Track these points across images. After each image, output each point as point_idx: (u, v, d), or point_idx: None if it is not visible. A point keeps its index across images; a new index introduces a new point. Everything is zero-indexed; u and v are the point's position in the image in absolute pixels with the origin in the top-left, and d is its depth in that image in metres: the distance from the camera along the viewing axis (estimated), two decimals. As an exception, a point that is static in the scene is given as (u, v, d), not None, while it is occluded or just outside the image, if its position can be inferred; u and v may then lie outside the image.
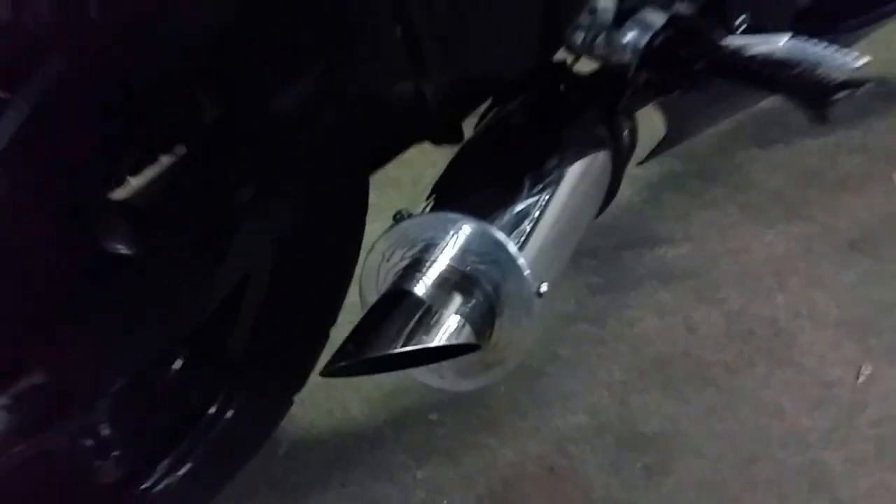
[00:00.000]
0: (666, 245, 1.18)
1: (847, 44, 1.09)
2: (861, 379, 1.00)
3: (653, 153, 0.96)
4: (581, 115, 0.78)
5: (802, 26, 0.88)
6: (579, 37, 0.80)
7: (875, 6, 1.11)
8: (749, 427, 0.95)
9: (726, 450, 0.93)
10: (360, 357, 0.60)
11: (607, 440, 0.93)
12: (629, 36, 0.80)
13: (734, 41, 0.80)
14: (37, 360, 0.59)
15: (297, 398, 0.86)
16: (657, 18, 0.79)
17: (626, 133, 0.80)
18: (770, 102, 1.40)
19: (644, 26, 0.79)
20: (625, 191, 1.23)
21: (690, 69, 0.77)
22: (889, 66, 1.49)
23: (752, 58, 0.77)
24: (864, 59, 0.81)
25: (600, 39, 0.80)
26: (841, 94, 0.77)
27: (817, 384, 1.00)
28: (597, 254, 1.16)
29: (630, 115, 0.82)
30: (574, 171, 0.72)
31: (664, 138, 0.94)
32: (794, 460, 0.92)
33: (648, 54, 0.77)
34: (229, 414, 0.77)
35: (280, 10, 0.61)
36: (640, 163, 0.96)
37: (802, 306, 1.09)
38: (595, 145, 0.76)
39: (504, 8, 0.72)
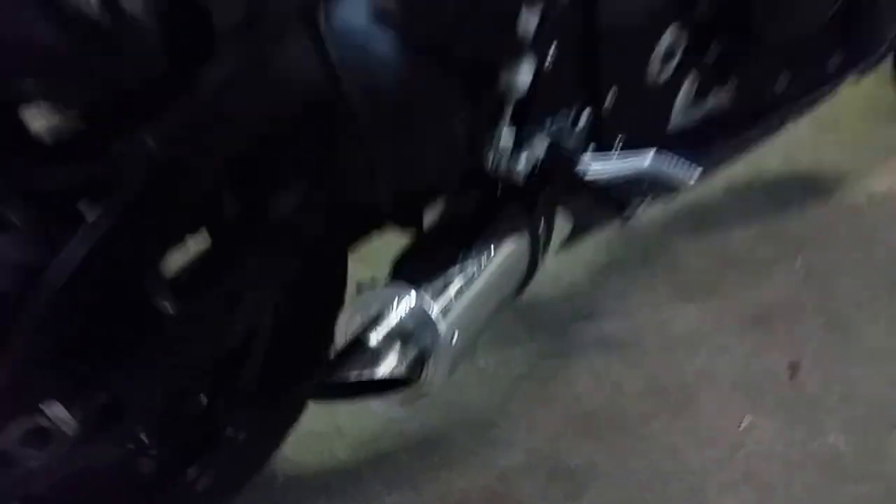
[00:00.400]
0: (606, 319, 1.49)
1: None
2: (742, 426, 1.31)
3: (565, 244, 1.21)
4: (504, 213, 1.05)
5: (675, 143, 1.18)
6: (489, 159, 1.03)
7: (742, 133, 1.35)
8: (649, 461, 1.25)
9: (630, 478, 1.23)
10: (332, 384, 0.91)
11: (539, 473, 1.24)
12: (520, 161, 1.03)
13: (597, 162, 1.08)
14: (104, 385, 0.87)
15: (294, 442, 1.18)
16: (541, 145, 1.05)
17: (541, 227, 1.06)
18: (705, 197, 1.74)
19: (530, 153, 1.03)
20: (577, 273, 1.57)
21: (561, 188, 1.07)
22: (794, 150, 1.81)
23: (594, 181, 1.06)
24: (698, 173, 1.12)
25: (502, 163, 1.03)
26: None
27: (707, 429, 1.30)
28: (548, 326, 1.47)
29: (545, 213, 1.07)
30: (496, 256, 1.01)
31: (571, 232, 1.19)
32: (680, 485, 1.22)
33: (532, 176, 1.04)
34: (242, 435, 1.07)
35: (290, 138, 0.88)
36: (556, 253, 1.24)
37: (707, 369, 1.40)
38: (514, 236, 1.03)
39: (433, 139, 0.98)
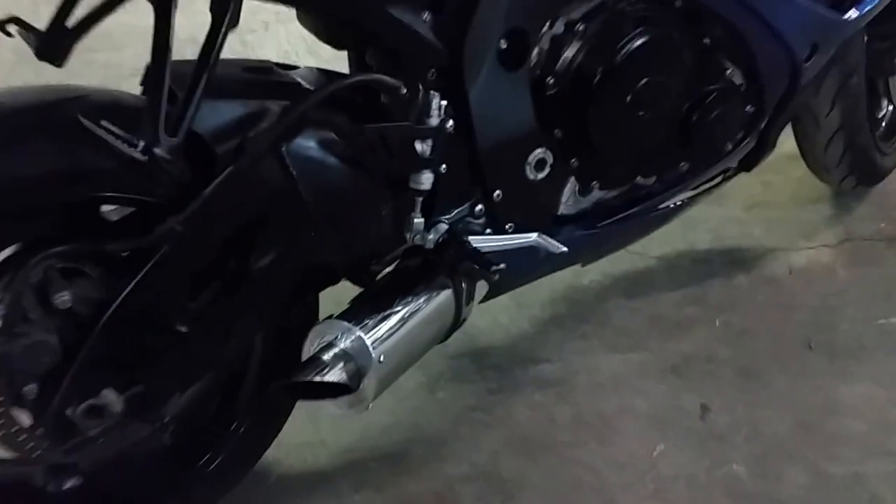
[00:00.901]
0: (544, 363, 1.72)
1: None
2: (655, 453, 1.53)
3: (482, 301, 1.46)
4: (428, 276, 1.33)
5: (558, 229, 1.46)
6: (409, 237, 1.33)
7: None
8: (573, 478, 1.48)
9: (555, 490, 1.46)
10: (290, 383, 1.18)
11: (478, 482, 1.47)
12: (429, 240, 1.33)
13: (486, 240, 1.38)
14: (141, 379, 1.18)
15: (284, 450, 1.44)
16: (444, 228, 1.35)
17: (462, 287, 1.33)
18: (639, 267, 1.98)
19: (436, 234, 1.34)
20: (523, 325, 1.80)
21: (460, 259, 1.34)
22: (724, 226, 2.06)
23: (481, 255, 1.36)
24: (563, 251, 1.43)
25: (419, 240, 1.33)
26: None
27: (624, 454, 1.53)
28: (496, 368, 1.71)
29: (462, 277, 1.33)
30: (422, 307, 1.29)
31: (488, 291, 1.44)
32: (598, 498, 1.44)
33: (442, 249, 1.34)
34: (242, 430, 1.37)
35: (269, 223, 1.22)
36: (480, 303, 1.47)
37: (627, 406, 1.63)
38: (439, 292, 1.32)
39: (367, 224, 1.30)
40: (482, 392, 1.66)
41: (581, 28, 1.38)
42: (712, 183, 1.69)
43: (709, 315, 1.86)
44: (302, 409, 1.42)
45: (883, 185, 2.21)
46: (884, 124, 2.16)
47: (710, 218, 2.10)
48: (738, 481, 1.50)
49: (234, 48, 1.30)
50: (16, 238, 1.12)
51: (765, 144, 1.66)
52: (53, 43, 1.11)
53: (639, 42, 1.40)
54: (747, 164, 1.68)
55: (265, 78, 1.28)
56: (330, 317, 1.26)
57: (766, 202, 2.18)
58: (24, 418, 1.14)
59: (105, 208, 1.18)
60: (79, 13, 1.11)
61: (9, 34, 1.12)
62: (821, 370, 1.73)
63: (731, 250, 2.05)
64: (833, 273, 1.99)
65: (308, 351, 1.24)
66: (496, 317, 1.82)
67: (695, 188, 1.66)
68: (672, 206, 1.62)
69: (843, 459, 1.53)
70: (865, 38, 1.88)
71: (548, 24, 1.36)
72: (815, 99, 1.85)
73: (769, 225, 2.12)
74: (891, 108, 2.18)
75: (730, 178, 1.70)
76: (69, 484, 1.24)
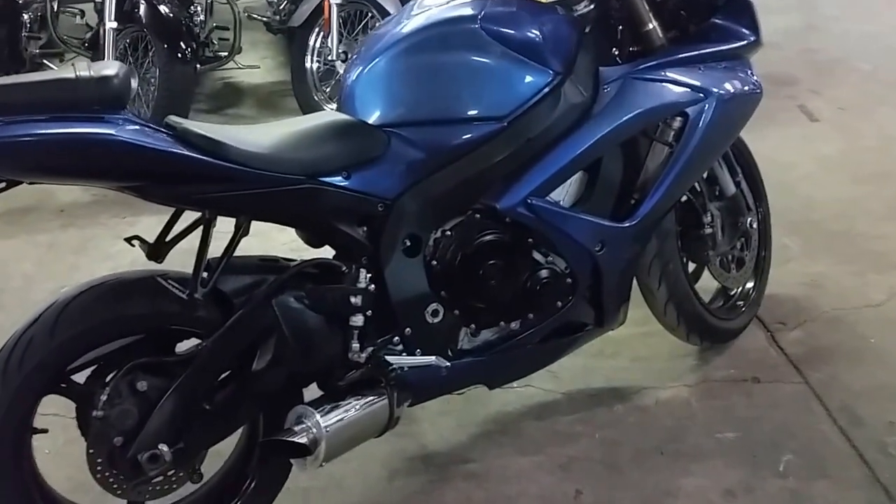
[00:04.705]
0: (471, 462, 2.47)
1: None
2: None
3: (411, 405, 2.25)
4: (371, 382, 2.10)
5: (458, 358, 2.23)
6: (351, 356, 2.10)
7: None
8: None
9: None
10: (272, 440, 2.01)
11: None
12: (362, 360, 2.12)
13: (400, 360, 2.15)
14: (183, 440, 1.97)
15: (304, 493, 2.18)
16: (368, 353, 2.14)
17: (395, 393, 2.09)
18: (547, 398, 2.73)
19: (368, 356, 2.14)
20: (460, 435, 2.54)
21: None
22: (614, 372, 2.82)
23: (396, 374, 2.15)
24: (447, 371, 2.25)
25: (357, 359, 2.11)
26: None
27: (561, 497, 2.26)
28: (439, 464, 2.46)
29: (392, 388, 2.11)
30: (365, 404, 2.06)
31: (413, 398, 2.23)
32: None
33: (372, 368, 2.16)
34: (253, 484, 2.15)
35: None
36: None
37: (525, 490, 2.36)
38: (378, 395, 2.08)
39: (323, 347, 2.11)
40: (425, 482, 2.41)
41: (451, 234, 2.17)
42: (578, 334, 2.44)
43: (591, 431, 2.59)
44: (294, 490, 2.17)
45: (738, 340, 2.98)
46: (716, 297, 2.96)
47: (603, 366, 2.86)
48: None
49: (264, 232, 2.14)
50: (121, 353, 1.92)
51: (604, 308, 2.40)
52: (157, 249, 1.97)
53: (485, 240, 2.19)
54: (600, 322, 2.44)
55: (268, 263, 2.10)
56: (305, 404, 2.05)
57: (647, 356, 2.93)
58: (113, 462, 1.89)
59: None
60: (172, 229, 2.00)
61: (132, 245, 1.97)
62: (667, 468, 2.46)
63: (616, 389, 2.80)
64: (689, 404, 2.73)
65: (287, 423, 2.04)
66: (441, 430, 2.58)
67: (564, 336, 2.41)
68: (543, 346, 2.37)
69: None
70: (678, 232, 2.66)
71: (433, 231, 2.15)
72: (647, 276, 2.63)
73: (646, 370, 2.88)
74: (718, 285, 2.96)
75: (593, 332, 2.46)
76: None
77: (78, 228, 3.88)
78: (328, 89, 4.86)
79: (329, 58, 4.75)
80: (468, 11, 2.21)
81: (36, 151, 1.66)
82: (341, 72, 4.71)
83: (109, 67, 1.72)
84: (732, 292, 2.99)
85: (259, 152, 1.93)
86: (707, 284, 2.90)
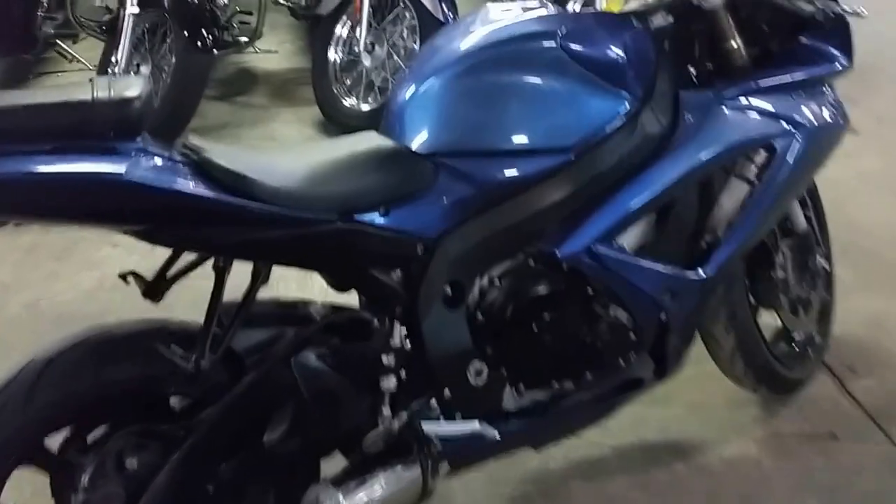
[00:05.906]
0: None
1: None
2: None
3: (448, 475, 1.93)
4: (399, 453, 1.82)
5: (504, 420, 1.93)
6: (381, 422, 1.84)
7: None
8: None
9: None
10: None
11: None
12: (395, 427, 1.85)
13: (441, 425, 1.86)
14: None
15: None
16: (404, 417, 1.85)
17: (427, 464, 1.80)
18: (595, 454, 2.44)
19: (399, 422, 1.85)
20: (497, 501, 2.25)
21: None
22: (668, 423, 2.52)
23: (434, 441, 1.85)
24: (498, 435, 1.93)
25: (388, 426, 1.84)
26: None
27: None
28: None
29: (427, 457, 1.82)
30: (393, 479, 1.79)
31: (451, 468, 1.92)
32: None
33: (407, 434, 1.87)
34: None
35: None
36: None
37: None
38: (410, 466, 1.81)
39: (348, 413, 1.84)
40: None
41: (500, 282, 1.88)
42: (635, 390, 2.13)
43: (650, 499, 2.31)
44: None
45: (807, 390, 2.68)
46: (782, 343, 2.63)
47: (657, 416, 2.57)
48: None
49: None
50: (107, 419, 1.65)
51: (667, 360, 2.10)
52: (155, 287, 1.70)
53: (540, 291, 1.91)
54: (661, 375, 2.13)
55: (288, 311, 1.83)
56: (324, 480, 1.77)
57: (703, 403, 2.65)
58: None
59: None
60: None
61: (127, 282, 1.68)
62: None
63: (673, 443, 2.51)
64: (759, 465, 2.44)
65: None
66: (473, 491, 2.28)
67: (620, 392, 2.11)
68: (596, 403, 2.07)
69: None
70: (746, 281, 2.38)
71: (478, 278, 1.87)
72: (714, 326, 2.34)
73: (704, 420, 2.59)
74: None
75: (650, 386, 2.15)
76: None
77: (61, 230, 3.47)
78: (349, 81, 4.54)
79: (355, 49, 4.44)
80: (547, 27, 1.95)
81: (31, 191, 1.43)
82: (366, 63, 4.42)
83: (132, 87, 1.49)
84: (796, 336, 2.68)
85: (288, 187, 1.64)
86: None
